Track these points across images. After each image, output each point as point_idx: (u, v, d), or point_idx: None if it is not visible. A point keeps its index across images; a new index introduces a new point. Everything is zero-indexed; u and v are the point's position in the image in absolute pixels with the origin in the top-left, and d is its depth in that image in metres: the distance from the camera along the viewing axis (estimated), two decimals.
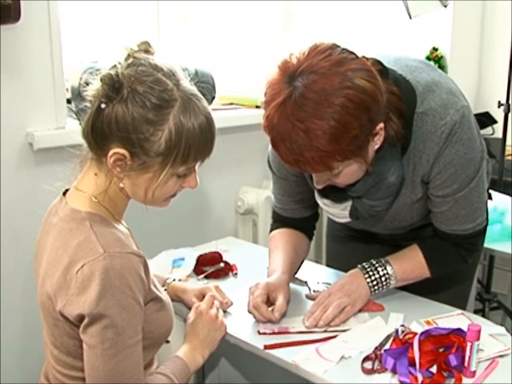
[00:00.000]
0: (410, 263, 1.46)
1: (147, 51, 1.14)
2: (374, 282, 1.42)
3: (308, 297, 1.49)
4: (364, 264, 1.44)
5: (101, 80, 1.09)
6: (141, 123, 1.07)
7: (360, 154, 1.22)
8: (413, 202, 1.42)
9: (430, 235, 1.49)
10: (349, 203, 1.39)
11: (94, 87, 1.11)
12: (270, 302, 1.40)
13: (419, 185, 1.38)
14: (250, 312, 1.39)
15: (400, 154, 1.33)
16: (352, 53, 1.20)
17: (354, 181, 1.31)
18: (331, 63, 1.15)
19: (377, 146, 1.26)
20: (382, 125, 1.23)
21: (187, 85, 1.13)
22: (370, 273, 1.42)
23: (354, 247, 1.71)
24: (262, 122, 1.21)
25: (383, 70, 1.27)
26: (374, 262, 1.44)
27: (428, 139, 1.31)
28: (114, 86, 1.07)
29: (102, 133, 1.09)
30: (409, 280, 1.47)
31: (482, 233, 1.45)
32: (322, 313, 1.37)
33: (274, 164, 1.51)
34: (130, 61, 1.11)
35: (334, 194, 1.39)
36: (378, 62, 1.27)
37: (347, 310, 1.38)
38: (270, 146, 1.43)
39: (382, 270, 1.42)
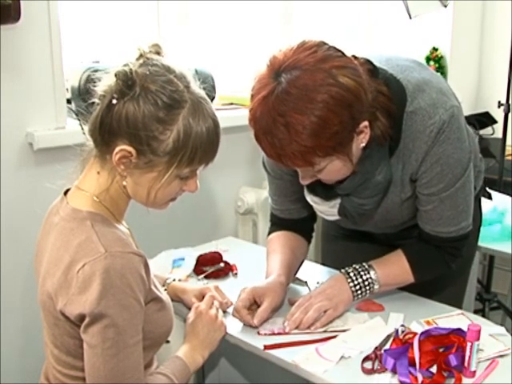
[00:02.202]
0: (394, 268, 1.45)
1: (158, 53, 1.15)
2: (357, 287, 1.41)
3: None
4: (347, 268, 1.43)
5: (115, 75, 1.09)
6: (151, 121, 1.08)
7: (342, 151, 1.22)
8: (402, 201, 1.42)
9: (414, 240, 1.48)
10: (337, 201, 1.39)
11: (106, 83, 1.11)
12: (258, 305, 1.39)
13: (408, 184, 1.38)
14: (233, 315, 1.39)
15: (388, 153, 1.33)
16: (339, 51, 1.21)
17: (340, 178, 1.31)
18: (316, 60, 1.16)
19: (362, 145, 1.26)
20: (366, 123, 1.23)
21: (196, 88, 1.15)
22: (354, 277, 1.41)
23: (348, 246, 1.71)
24: (248, 115, 1.22)
25: (373, 70, 1.27)
26: (357, 267, 1.43)
27: (417, 138, 1.31)
28: (127, 83, 1.08)
29: (110, 129, 1.10)
30: (393, 285, 1.47)
31: (465, 237, 1.43)
32: (303, 315, 1.35)
33: (269, 164, 1.51)
34: (142, 60, 1.12)
35: (323, 191, 1.39)
36: (368, 62, 1.28)
37: (329, 314, 1.37)
38: None
39: (365, 275, 1.41)
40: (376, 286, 1.42)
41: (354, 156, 1.26)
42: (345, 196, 1.37)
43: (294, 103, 1.15)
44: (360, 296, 1.42)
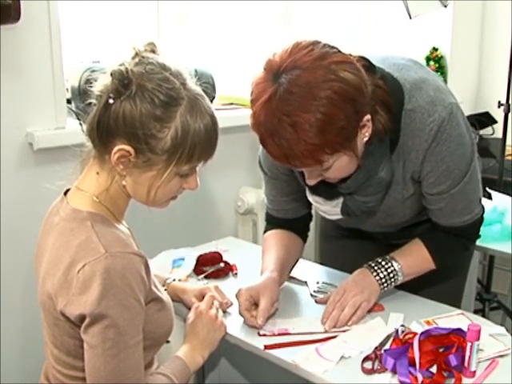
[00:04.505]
0: (415, 257, 1.47)
1: (153, 52, 1.15)
2: (383, 280, 1.43)
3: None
4: (370, 263, 1.45)
5: (111, 75, 1.09)
6: (148, 119, 1.08)
7: (349, 147, 1.22)
8: (404, 199, 1.42)
9: (427, 229, 1.50)
10: (340, 200, 1.40)
11: (103, 82, 1.11)
12: (256, 305, 1.39)
13: (410, 181, 1.39)
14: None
15: (389, 149, 1.33)
16: (334, 47, 1.21)
17: (345, 175, 1.31)
18: (314, 58, 1.17)
19: (365, 139, 1.27)
20: (368, 116, 1.23)
21: (192, 85, 1.14)
22: (378, 270, 1.43)
23: (346, 246, 1.71)
24: (250, 120, 1.22)
25: (369, 66, 1.28)
26: (380, 260, 1.44)
27: (416, 136, 1.31)
28: (123, 82, 1.08)
29: (107, 129, 1.10)
30: (415, 274, 1.48)
31: (480, 221, 1.47)
32: (340, 312, 1.37)
33: (265, 164, 1.51)
34: (137, 59, 1.12)
35: (326, 191, 1.39)
36: (363, 58, 1.28)
37: (363, 306, 1.39)
38: (261, 147, 1.43)
39: (390, 267, 1.43)
40: (400, 277, 1.44)
41: (359, 151, 1.27)
42: (347, 195, 1.38)
43: (299, 102, 1.14)
44: (386, 288, 1.44)
